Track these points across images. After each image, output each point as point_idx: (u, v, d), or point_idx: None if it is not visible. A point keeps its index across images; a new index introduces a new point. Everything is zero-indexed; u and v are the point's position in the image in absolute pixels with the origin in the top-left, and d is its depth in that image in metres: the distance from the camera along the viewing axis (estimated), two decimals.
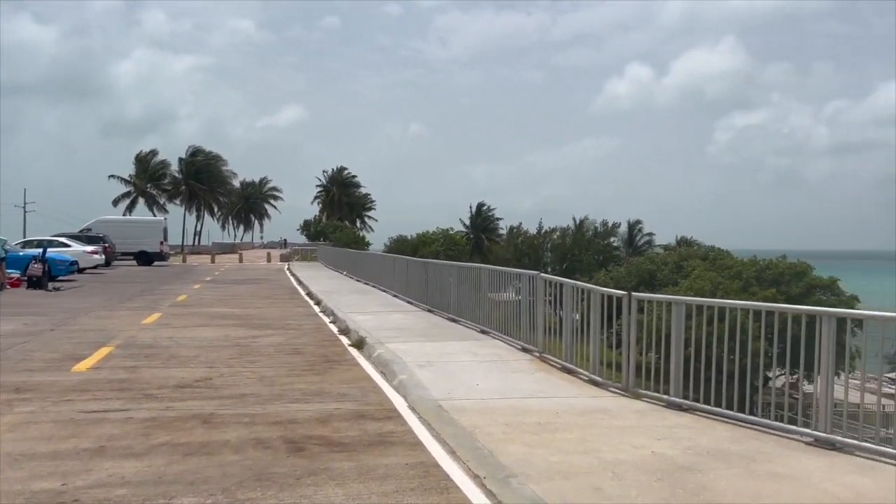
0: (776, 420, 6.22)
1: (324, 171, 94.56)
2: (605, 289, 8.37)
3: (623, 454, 5.39)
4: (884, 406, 19.29)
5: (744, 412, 6.48)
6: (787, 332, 6.17)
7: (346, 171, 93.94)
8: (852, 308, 26.71)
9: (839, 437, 5.54)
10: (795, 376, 16.54)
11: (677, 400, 6.93)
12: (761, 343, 6.54)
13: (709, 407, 6.63)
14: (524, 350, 9.99)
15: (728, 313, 6.76)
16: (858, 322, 6.26)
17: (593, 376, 8.03)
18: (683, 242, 52.79)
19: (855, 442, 5.53)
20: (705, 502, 4.42)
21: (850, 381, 8.09)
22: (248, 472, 5.06)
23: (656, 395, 7.24)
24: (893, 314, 5.84)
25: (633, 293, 7.78)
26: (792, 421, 6.26)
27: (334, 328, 13.46)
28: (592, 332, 8.18)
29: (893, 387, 26.51)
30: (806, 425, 6.00)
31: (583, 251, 53.94)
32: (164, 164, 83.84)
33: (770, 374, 7.78)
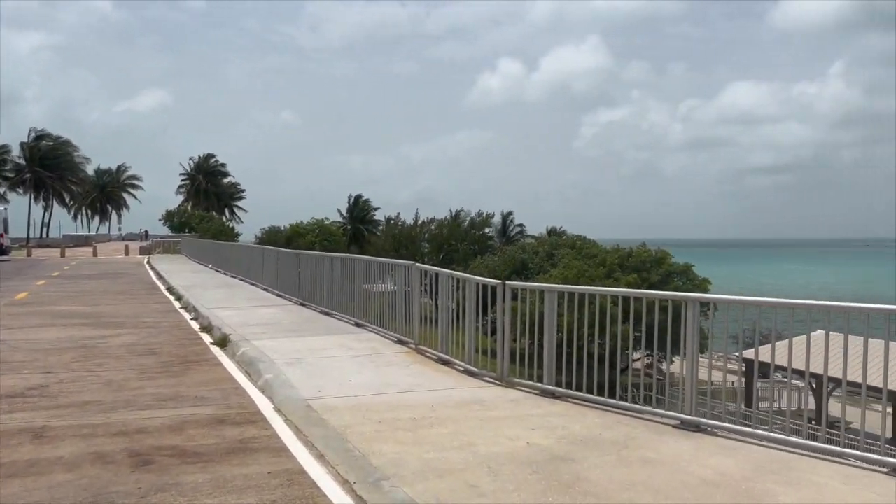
0: (645, 404, 6.32)
1: (190, 159, 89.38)
2: (480, 278, 8.26)
3: (498, 447, 5.24)
4: (732, 383, 20.81)
5: (614, 397, 6.56)
6: (655, 316, 6.28)
7: (213, 159, 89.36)
8: (706, 291, 28.80)
9: (703, 419, 5.70)
10: (660, 359, 17.47)
11: (550, 388, 6.92)
12: (630, 327, 6.64)
13: (581, 394, 6.66)
14: (400, 342, 9.72)
15: (598, 299, 6.81)
16: (708, 306, 6.51)
17: (469, 367, 7.90)
18: (553, 232, 54.80)
19: (717, 423, 5.71)
20: (580, 494, 4.33)
21: (705, 361, 8.49)
22: (83, 492, 4.43)
23: (530, 383, 7.21)
24: (751, 297, 6.08)
25: (508, 282, 7.72)
26: (660, 404, 6.39)
27: (196, 325, 12.55)
28: (468, 322, 8.04)
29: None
30: (673, 407, 6.15)
31: (459, 241, 54.65)
32: (5, 149, 75.85)
33: (636, 357, 7.98)
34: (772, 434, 5.28)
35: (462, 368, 8.04)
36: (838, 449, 4.97)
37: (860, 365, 4.80)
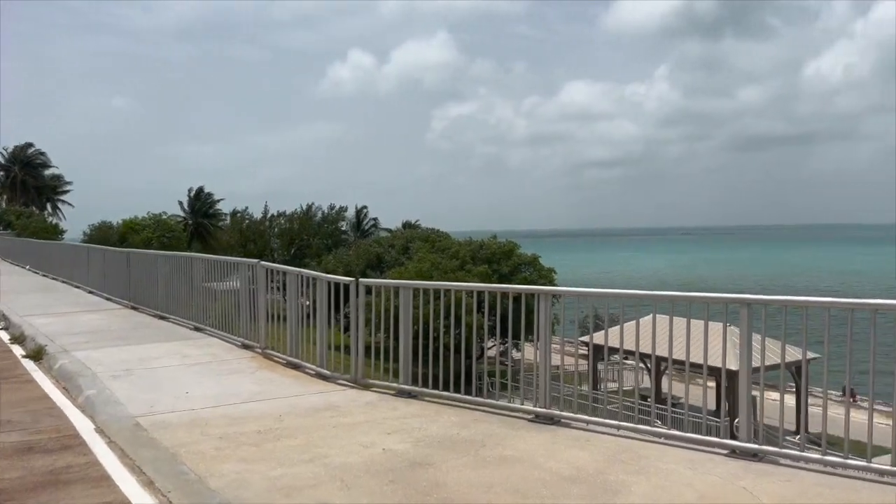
0: (502, 395, 6.27)
1: (4, 149, 79.78)
2: (331, 276, 7.84)
3: (353, 456, 4.91)
4: (578, 373, 21.82)
5: (471, 392, 6.45)
6: (508, 309, 6.23)
7: (32, 149, 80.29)
8: (551, 280, 30.12)
9: (556, 412, 5.72)
10: (512, 349, 17.85)
11: (407, 387, 6.70)
12: (484, 321, 6.57)
13: (437, 392, 6.49)
14: (245, 347, 9.06)
15: (453, 295, 6.68)
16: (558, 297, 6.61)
17: (321, 370, 7.48)
18: (408, 226, 54.86)
19: (570, 415, 5.75)
20: (438, 502, 4.12)
21: (557, 347, 8.69)
22: None
23: (386, 383, 6.94)
24: (596, 289, 6.20)
25: (361, 279, 7.38)
26: (516, 394, 6.37)
27: (5, 336, 11.01)
28: (319, 323, 7.61)
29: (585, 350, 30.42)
30: (528, 398, 6.12)
31: (311, 236, 53.29)
32: None
33: (490, 345, 7.96)
34: (621, 424, 5.38)
35: (314, 372, 7.60)
36: (682, 434, 5.16)
37: (700, 348, 4.99)
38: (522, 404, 5.98)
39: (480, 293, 6.50)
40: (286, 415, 6.04)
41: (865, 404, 4.57)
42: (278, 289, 8.76)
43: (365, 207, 61.62)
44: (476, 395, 6.52)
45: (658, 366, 24.13)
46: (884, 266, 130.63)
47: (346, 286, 7.31)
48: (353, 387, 7.10)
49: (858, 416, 5.63)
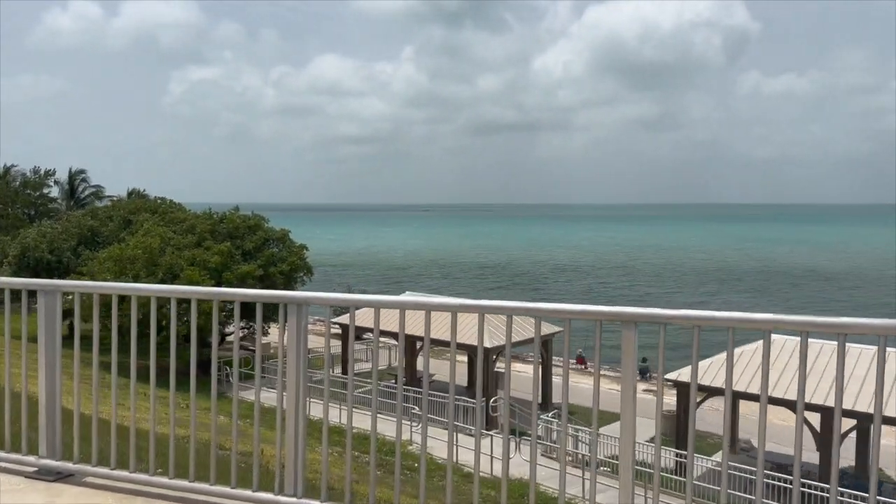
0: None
1: None
2: None
3: None
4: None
5: None
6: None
7: None
8: (302, 256, 27.66)
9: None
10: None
11: None
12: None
13: None
14: None
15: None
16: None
17: None
18: (136, 195, 47.75)
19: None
20: None
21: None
22: None
23: None
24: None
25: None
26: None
27: None
28: None
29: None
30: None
31: (8, 204, 44.11)
32: None
33: None
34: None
35: None
36: None
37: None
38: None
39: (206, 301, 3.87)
40: None
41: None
42: None
43: (83, 172, 52.67)
44: None
45: (413, 346, 23.19)
46: (606, 241, 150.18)
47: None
48: None
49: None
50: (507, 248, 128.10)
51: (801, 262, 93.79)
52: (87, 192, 51.30)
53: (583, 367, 30.94)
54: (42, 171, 47.09)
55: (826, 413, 14.21)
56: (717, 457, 18.24)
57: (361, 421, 19.71)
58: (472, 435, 18.11)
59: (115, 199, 45.55)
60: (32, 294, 3.71)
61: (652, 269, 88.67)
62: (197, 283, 23.09)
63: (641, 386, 27.66)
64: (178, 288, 3.19)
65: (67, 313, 4.30)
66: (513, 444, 15.45)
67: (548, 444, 16.76)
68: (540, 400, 19.97)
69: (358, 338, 28.29)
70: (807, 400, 14.90)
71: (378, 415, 3.17)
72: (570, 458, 16.15)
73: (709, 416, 18.74)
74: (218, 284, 24.45)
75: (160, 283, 23.60)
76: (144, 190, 48.93)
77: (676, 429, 16.58)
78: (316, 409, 20.86)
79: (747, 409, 20.37)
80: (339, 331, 26.34)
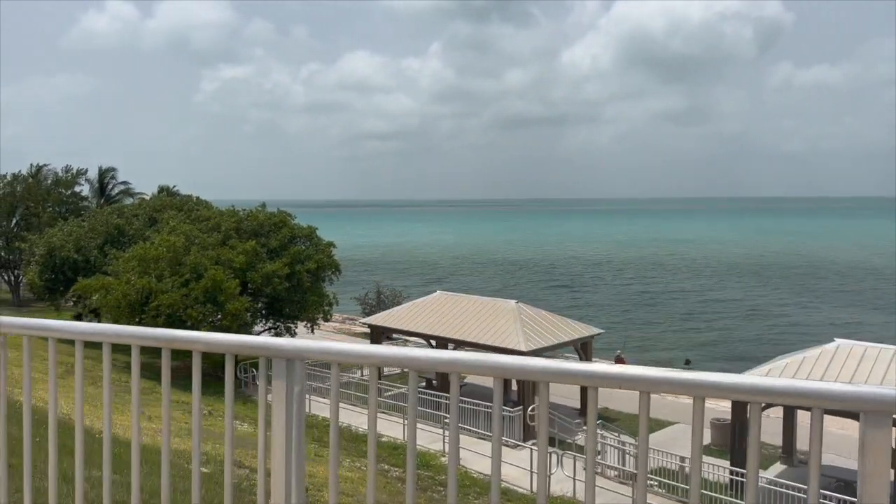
0: None
1: None
2: None
3: None
4: None
5: None
6: None
7: None
8: (329, 254, 26.83)
9: None
10: None
11: None
12: None
13: None
14: None
15: None
16: None
17: None
18: (165, 192, 47.39)
19: None
20: None
21: None
22: None
23: None
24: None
25: None
26: None
27: None
28: None
29: None
30: None
31: (39, 202, 44.12)
32: None
33: None
34: None
35: None
36: None
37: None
38: None
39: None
40: None
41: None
42: None
43: (113, 169, 52.59)
44: None
45: (444, 347, 22.23)
46: (642, 234, 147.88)
47: None
48: None
49: None
50: (538, 243, 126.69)
51: (840, 258, 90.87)
52: (117, 190, 51.21)
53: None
54: (74, 170, 47.03)
55: None
56: (773, 471, 16.98)
57: (391, 429, 18.91)
58: (507, 446, 17.15)
59: (145, 196, 45.31)
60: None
61: (688, 264, 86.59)
62: (221, 283, 22.39)
63: None
64: (109, 329, 2.08)
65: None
66: (554, 459, 14.37)
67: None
68: (579, 406, 18.53)
69: (389, 338, 27.40)
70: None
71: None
72: (617, 474, 15.04)
73: (765, 424, 17.43)
74: (243, 284, 23.74)
75: (185, 283, 22.90)
76: (175, 187, 48.60)
77: (731, 442, 15.35)
78: (345, 416, 20.08)
79: (806, 417, 19.02)
80: (368, 331, 25.49)
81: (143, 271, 23.42)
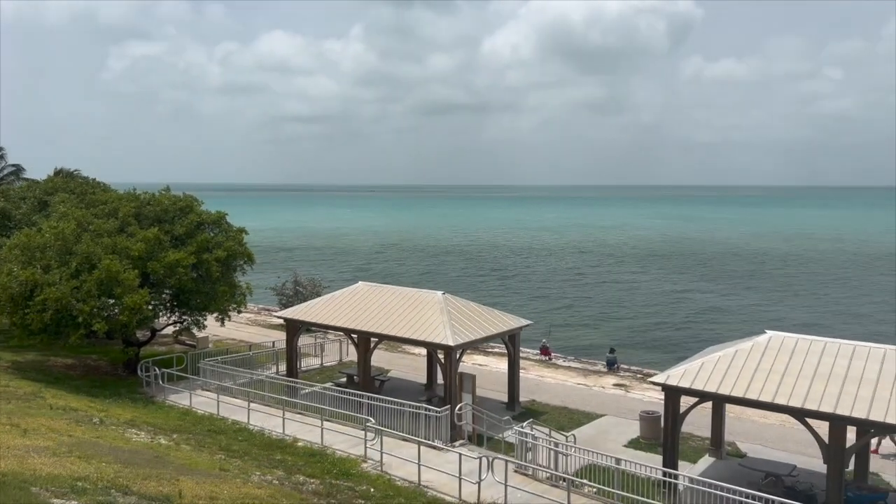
0: None
1: None
2: None
3: None
4: None
5: None
6: None
7: None
8: (240, 241, 24.82)
9: None
10: None
11: None
12: None
13: None
14: None
15: None
16: None
17: None
18: (63, 175, 43.28)
19: None
20: None
21: None
22: None
23: None
24: None
25: None
26: None
27: None
28: None
29: None
30: None
31: None
32: None
33: None
34: None
35: None
36: None
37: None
38: None
39: None
40: None
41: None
42: None
43: (1, 150, 47.81)
44: None
45: (366, 342, 20.83)
46: (566, 222, 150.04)
47: None
48: None
49: None
50: (465, 230, 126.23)
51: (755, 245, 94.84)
52: (5, 172, 46.66)
53: (547, 358, 29.13)
54: None
55: (835, 422, 12.55)
56: (703, 463, 16.61)
57: (307, 432, 17.34)
58: (435, 447, 15.97)
59: (37, 180, 41.30)
60: None
61: (611, 251, 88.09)
62: (117, 274, 20.18)
63: (611, 380, 25.91)
64: None
65: None
66: (484, 463, 13.33)
67: (521, 463, 14.67)
68: (506, 399, 17.64)
69: (308, 331, 25.72)
70: (814, 406, 13.27)
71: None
72: (548, 476, 14.15)
73: (690, 415, 16.96)
74: (144, 275, 21.56)
75: (75, 275, 20.57)
76: (77, 170, 44.48)
77: (664, 435, 14.75)
78: (257, 419, 18.35)
79: (733, 409, 18.77)
80: (283, 323, 23.78)
81: (28, 261, 20.88)
